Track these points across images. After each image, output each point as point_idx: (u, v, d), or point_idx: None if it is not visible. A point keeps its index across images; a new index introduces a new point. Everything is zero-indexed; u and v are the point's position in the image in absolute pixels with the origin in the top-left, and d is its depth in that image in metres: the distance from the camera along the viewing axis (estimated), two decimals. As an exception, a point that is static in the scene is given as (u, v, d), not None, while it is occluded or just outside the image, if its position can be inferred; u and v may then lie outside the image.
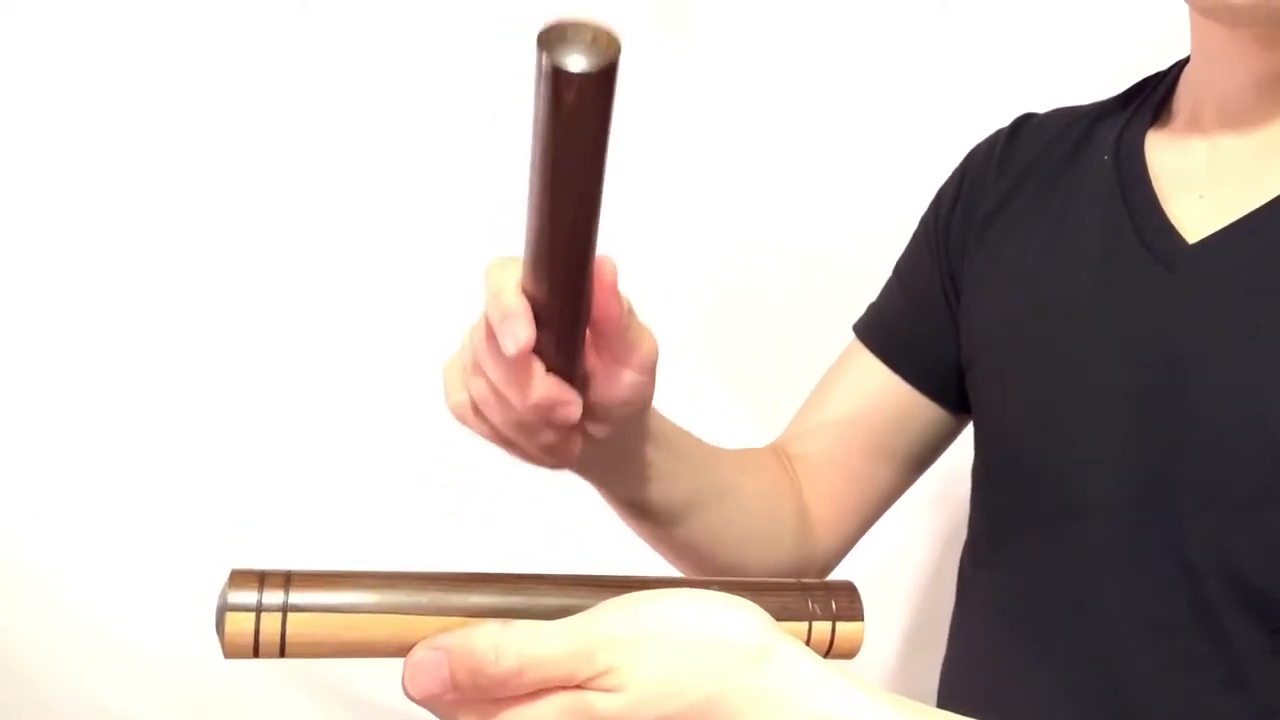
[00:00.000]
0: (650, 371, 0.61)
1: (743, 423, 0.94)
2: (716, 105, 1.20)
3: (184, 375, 1.23)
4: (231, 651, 0.43)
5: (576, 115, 0.42)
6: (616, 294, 0.55)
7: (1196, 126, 0.70)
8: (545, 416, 0.57)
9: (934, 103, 1.16)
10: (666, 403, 0.70)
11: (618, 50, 0.41)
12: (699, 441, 0.75)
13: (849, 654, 0.50)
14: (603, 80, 0.41)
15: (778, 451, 0.85)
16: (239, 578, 0.43)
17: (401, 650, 0.44)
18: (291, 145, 1.22)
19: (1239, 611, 0.60)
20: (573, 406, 0.57)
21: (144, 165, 1.22)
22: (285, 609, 0.43)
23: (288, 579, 0.43)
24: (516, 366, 0.55)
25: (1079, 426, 0.67)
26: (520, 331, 0.52)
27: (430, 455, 1.22)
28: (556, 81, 0.41)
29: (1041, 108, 0.84)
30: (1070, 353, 0.69)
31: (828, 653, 0.49)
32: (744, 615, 0.43)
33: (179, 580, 1.23)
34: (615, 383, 0.60)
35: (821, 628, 0.49)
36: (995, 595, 0.74)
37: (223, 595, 0.43)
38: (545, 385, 0.55)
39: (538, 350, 0.54)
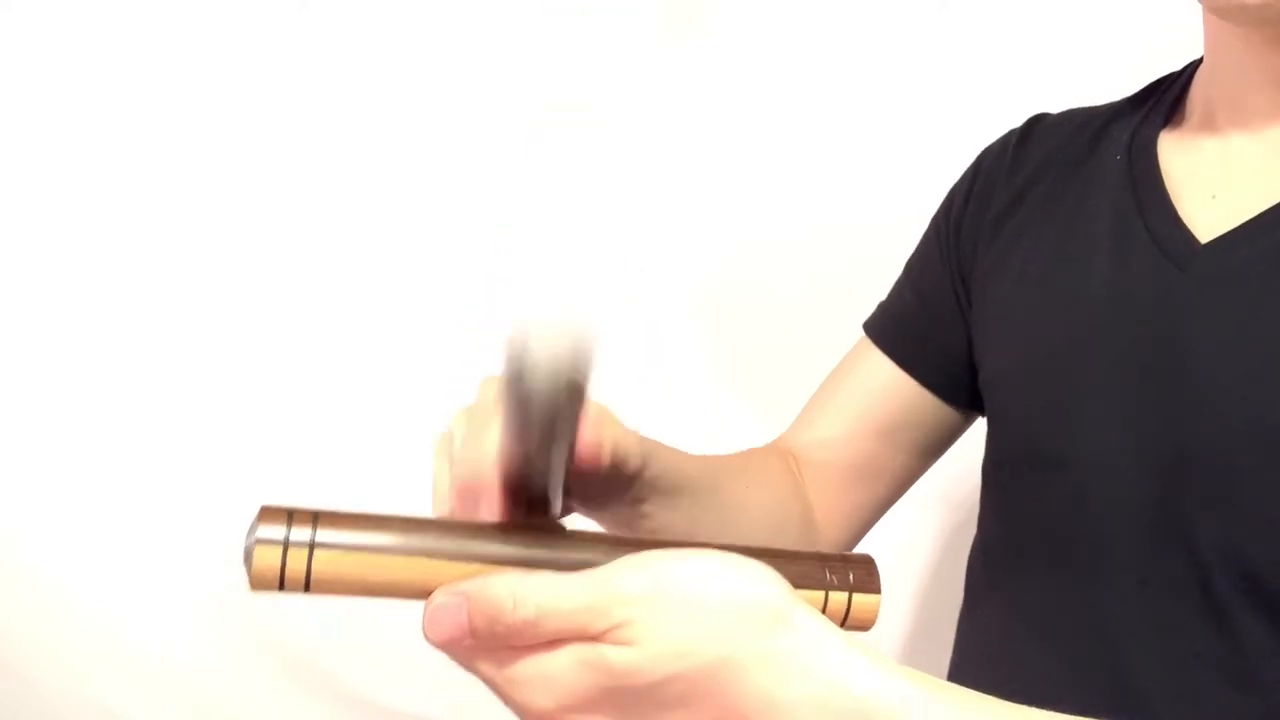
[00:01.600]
0: (636, 476, 0.61)
1: (747, 419, 0.94)
2: (719, 104, 1.20)
3: (185, 375, 1.23)
4: (258, 584, 0.44)
5: (546, 422, 0.42)
6: (598, 462, 0.55)
7: (1209, 127, 0.70)
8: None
9: (937, 102, 1.16)
10: (671, 401, 0.70)
11: (589, 366, 0.40)
12: (699, 462, 0.73)
13: (864, 626, 0.50)
14: (573, 399, 0.41)
15: (782, 450, 0.85)
16: (269, 513, 0.44)
17: (423, 594, 0.44)
18: (292, 145, 1.22)
19: (1248, 609, 0.60)
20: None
21: (145, 165, 1.21)
22: (312, 545, 0.43)
23: (315, 517, 0.44)
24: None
25: (1089, 425, 0.67)
26: (490, 515, 0.50)
27: (428, 453, 1.22)
28: (524, 397, 0.41)
29: (1045, 107, 0.85)
30: (1081, 352, 0.69)
31: (843, 623, 0.50)
32: (762, 579, 0.43)
33: (179, 580, 1.23)
34: (601, 495, 0.60)
35: (838, 598, 0.49)
36: (1005, 593, 0.75)
37: (251, 530, 0.43)
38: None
39: (516, 497, 0.52)
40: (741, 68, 1.20)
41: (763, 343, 1.21)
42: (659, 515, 0.68)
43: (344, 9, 1.21)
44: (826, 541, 0.84)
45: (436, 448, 0.57)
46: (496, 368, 0.56)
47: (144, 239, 1.22)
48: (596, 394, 0.54)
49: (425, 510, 0.51)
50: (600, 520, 0.68)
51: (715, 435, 0.84)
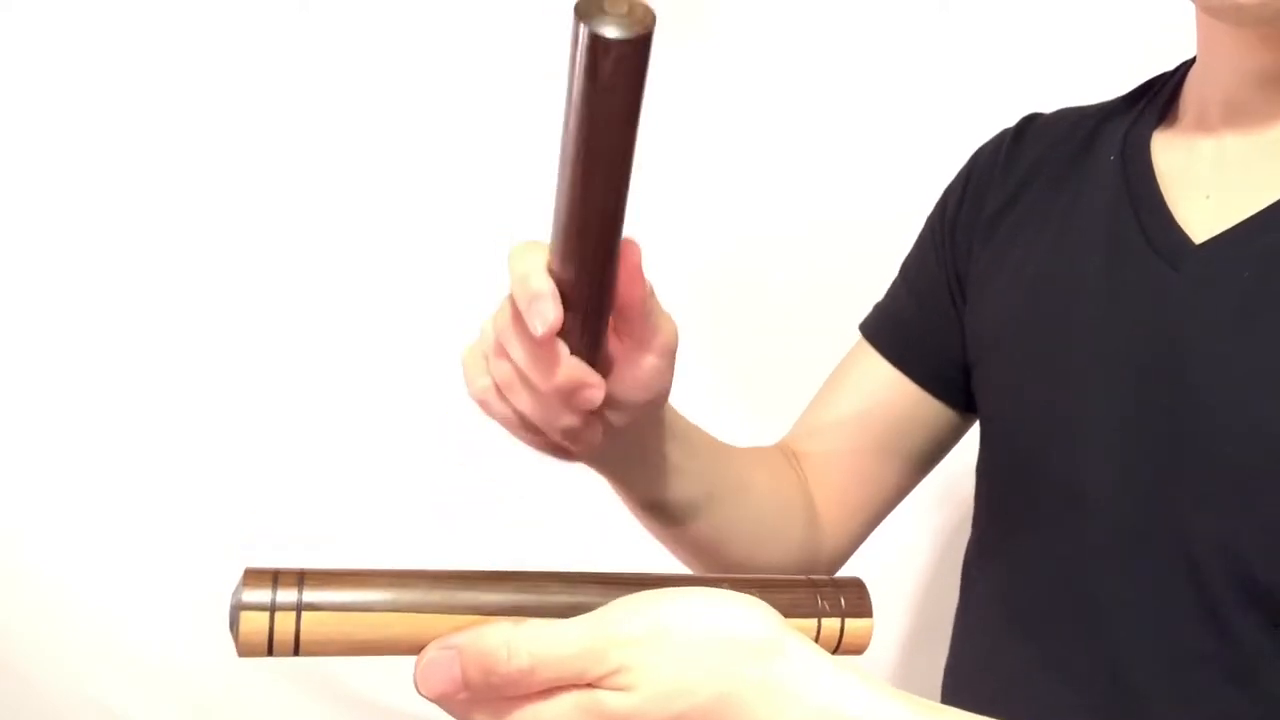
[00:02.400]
0: (670, 357, 0.61)
1: (748, 421, 0.94)
2: (718, 102, 1.20)
3: (186, 376, 1.23)
4: (246, 650, 0.43)
5: (613, 84, 0.43)
6: (641, 277, 0.56)
7: (1203, 126, 0.70)
8: (569, 400, 0.57)
9: (934, 101, 1.16)
10: (673, 401, 0.70)
11: (653, 20, 0.41)
12: (711, 438, 0.75)
13: (858, 650, 0.50)
14: (639, 48, 0.42)
15: (785, 450, 0.85)
16: (253, 576, 0.43)
17: (415, 648, 0.44)
18: (293, 145, 1.22)
19: (1244, 608, 0.60)
20: (597, 389, 0.57)
21: (146, 165, 1.21)
22: (299, 608, 0.43)
23: (301, 577, 0.43)
24: (542, 348, 0.55)
25: (1083, 425, 0.67)
26: (549, 312, 0.52)
27: (432, 456, 1.22)
28: (594, 49, 0.42)
29: (1041, 106, 0.84)
30: (1075, 351, 0.69)
31: (836, 649, 0.50)
32: (753, 612, 0.43)
33: (180, 581, 1.23)
34: (636, 368, 0.60)
35: (830, 624, 0.49)
36: (1000, 592, 0.75)
37: (236, 594, 0.43)
38: (570, 367, 0.56)
39: (563, 333, 0.54)
40: (741, 66, 1.20)
41: (760, 342, 1.21)
42: (675, 480, 0.70)
43: (344, 9, 1.21)
44: (828, 539, 0.84)
45: (468, 350, 0.61)
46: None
47: (143, 239, 1.22)
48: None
49: (420, 524, 0.51)
50: (620, 480, 0.70)
51: (718, 436, 0.84)
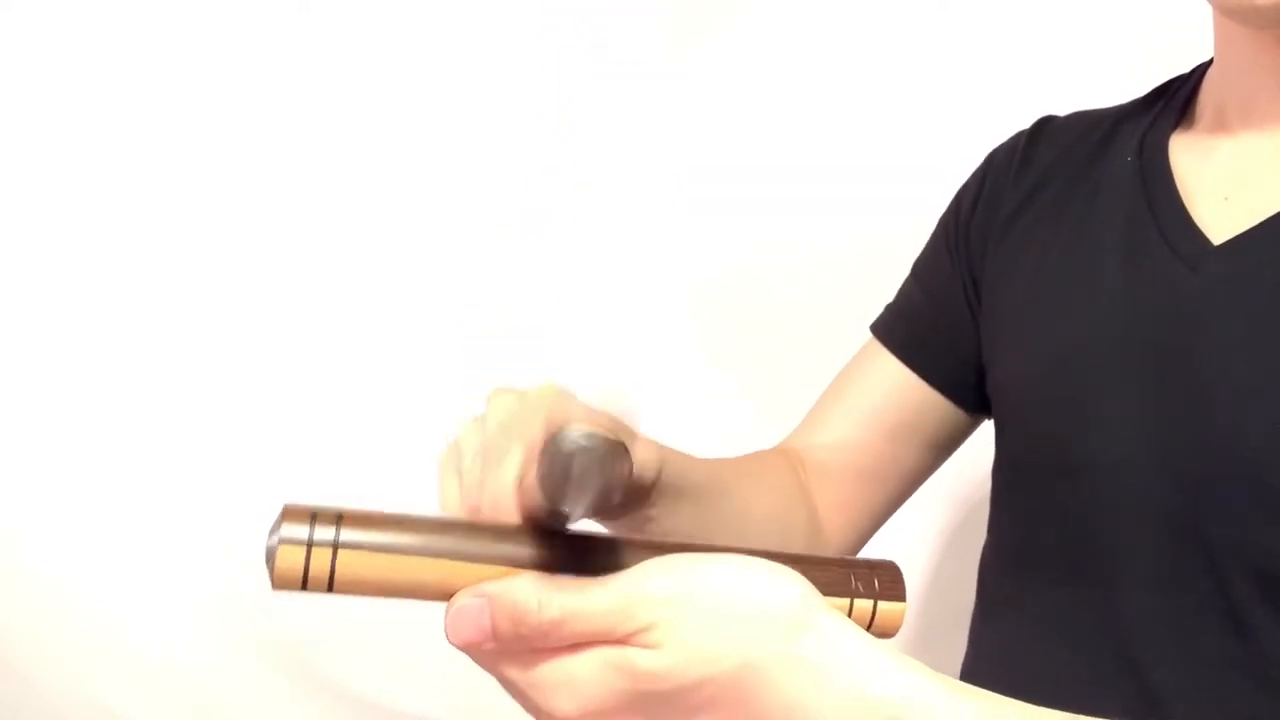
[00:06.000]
0: (651, 486, 0.60)
1: (752, 421, 0.94)
2: (724, 108, 1.21)
3: (186, 376, 1.23)
4: (281, 583, 0.43)
5: (583, 488, 0.42)
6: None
7: (1220, 128, 0.70)
8: None
9: (942, 104, 1.16)
10: (677, 402, 0.70)
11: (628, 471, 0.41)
12: (704, 466, 0.72)
13: (888, 633, 0.50)
14: (615, 472, 0.41)
15: (789, 453, 0.85)
16: (292, 513, 0.43)
17: (446, 595, 0.44)
18: (293, 145, 1.21)
19: (1266, 611, 0.60)
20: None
21: (146, 165, 1.21)
22: (336, 545, 0.43)
23: (339, 517, 0.44)
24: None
25: (1104, 430, 0.67)
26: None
27: (432, 456, 1.21)
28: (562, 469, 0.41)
29: (1051, 109, 0.84)
30: (1094, 355, 0.69)
31: (867, 630, 0.49)
32: (788, 584, 0.43)
33: (180, 581, 1.23)
34: (614, 509, 0.60)
35: (863, 605, 0.49)
36: (1019, 597, 0.74)
37: (275, 528, 0.43)
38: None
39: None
40: (745, 69, 1.20)
41: (768, 345, 1.21)
42: (665, 519, 0.68)
43: (344, 9, 1.21)
44: (832, 545, 0.83)
45: (443, 461, 0.56)
46: (504, 381, 0.55)
47: (144, 239, 1.22)
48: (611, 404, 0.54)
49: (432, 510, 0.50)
50: (605, 525, 0.68)
51: (720, 436, 0.84)
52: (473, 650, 0.43)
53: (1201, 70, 0.75)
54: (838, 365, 0.89)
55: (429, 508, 0.54)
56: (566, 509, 0.43)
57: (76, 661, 1.25)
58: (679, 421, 0.79)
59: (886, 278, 0.90)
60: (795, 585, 0.43)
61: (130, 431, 1.23)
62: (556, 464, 0.40)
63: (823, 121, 1.20)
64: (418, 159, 1.22)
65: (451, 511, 0.55)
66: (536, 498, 0.45)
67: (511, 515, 0.48)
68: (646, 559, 0.43)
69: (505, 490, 0.48)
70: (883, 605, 0.50)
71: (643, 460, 0.59)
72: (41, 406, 1.23)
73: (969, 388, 0.82)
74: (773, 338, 1.20)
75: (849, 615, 0.49)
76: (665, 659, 0.41)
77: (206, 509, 1.23)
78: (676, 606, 0.41)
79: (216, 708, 1.26)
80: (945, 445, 0.86)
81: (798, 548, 0.79)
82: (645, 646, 0.41)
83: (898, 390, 0.84)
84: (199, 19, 1.20)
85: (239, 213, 1.22)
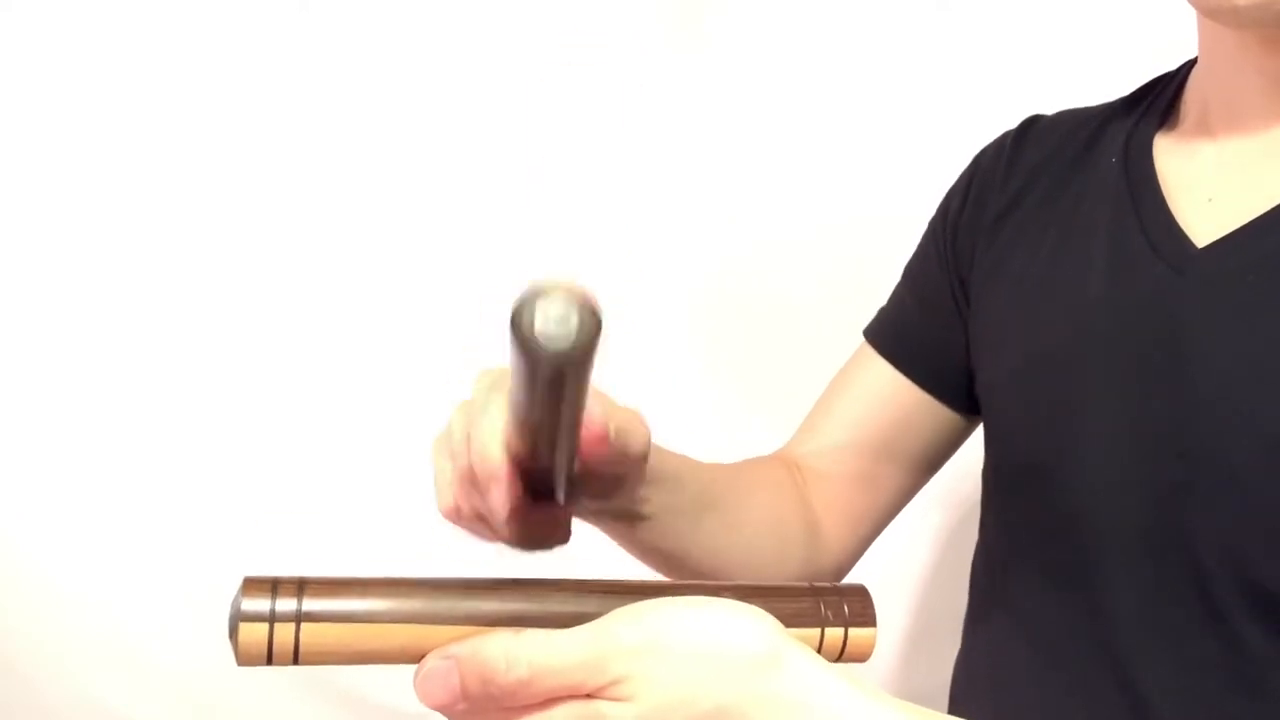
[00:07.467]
0: (641, 460, 0.60)
1: (750, 426, 0.94)
2: (719, 106, 1.20)
3: (186, 376, 1.23)
4: (245, 660, 0.43)
5: (554, 385, 0.40)
6: (604, 443, 0.53)
7: (1204, 129, 0.70)
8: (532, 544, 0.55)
9: (936, 102, 1.16)
10: (675, 406, 0.70)
11: (598, 326, 0.38)
12: (700, 469, 0.73)
13: (861, 658, 0.50)
14: (582, 357, 0.38)
15: (786, 460, 0.85)
16: (252, 585, 0.43)
17: (415, 658, 0.44)
18: (292, 145, 1.22)
19: (1250, 615, 0.60)
20: (563, 534, 0.56)
21: (145, 165, 1.21)
22: (299, 618, 0.42)
23: (301, 586, 0.43)
24: (499, 505, 0.51)
25: (1086, 429, 0.67)
26: (500, 501, 0.49)
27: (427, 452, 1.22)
28: (532, 357, 0.38)
29: (1044, 107, 0.84)
30: (1079, 356, 0.68)
31: (839, 657, 0.50)
32: (754, 623, 0.43)
33: (180, 581, 1.23)
34: (607, 484, 0.59)
35: (834, 633, 0.49)
36: (1006, 598, 0.74)
37: (235, 603, 0.43)
38: (530, 522, 0.53)
39: (523, 483, 0.51)
40: (742, 68, 1.20)
41: (764, 346, 1.21)
42: (664, 522, 0.68)
43: (344, 9, 1.21)
44: (832, 550, 0.83)
45: (436, 445, 0.56)
46: (496, 358, 0.55)
47: (144, 239, 1.22)
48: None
49: (424, 518, 0.50)
50: (604, 525, 0.68)
51: (717, 440, 0.84)
52: (444, 711, 0.44)
53: (1186, 69, 0.75)
54: (837, 366, 0.88)
55: (429, 508, 0.55)
56: (541, 416, 0.42)
57: (76, 661, 1.26)
58: (674, 425, 0.80)
59: (886, 278, 0.90)
60: (761, 624, 0.43)
61: (130, 431, 1.24)
62: (525, 304, 0.37)
63: (823, 122, 1.20)
64: (415, 156, 1.22)
65: (447, 491, 0.55)
66: (519, 425, 0.44)
67: (499, 464, 0.48)
68: (614, 604, 0.43)
69: (490, 437, 0.49)
70: (854, 632, 0.49)
71: (629, 428, 0.57)
72: (41, 407, 1.24)
73: (960, 390, 0.82)
74: (768, 339, 1.20)
75: (820, 644, 0.49)
76: (636, 711, 0.41)
77: (206, 509, 1.24)
78: (645, 657, 0.41)
79: (216, 708, 1.27)
80: (941, 448, 0.86)
81: (796, 555, 0.80)
82: (616, 700, 0.41)
83: (890, 394, 0.83)
84: (199, 19, 1.20)
85: (236, 212, 1.22)
